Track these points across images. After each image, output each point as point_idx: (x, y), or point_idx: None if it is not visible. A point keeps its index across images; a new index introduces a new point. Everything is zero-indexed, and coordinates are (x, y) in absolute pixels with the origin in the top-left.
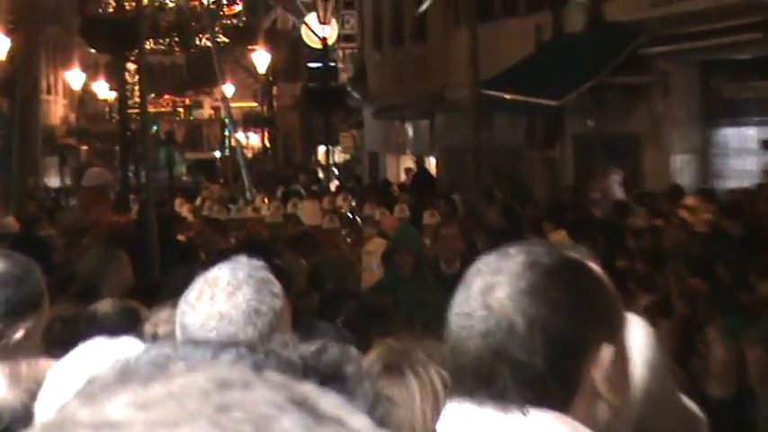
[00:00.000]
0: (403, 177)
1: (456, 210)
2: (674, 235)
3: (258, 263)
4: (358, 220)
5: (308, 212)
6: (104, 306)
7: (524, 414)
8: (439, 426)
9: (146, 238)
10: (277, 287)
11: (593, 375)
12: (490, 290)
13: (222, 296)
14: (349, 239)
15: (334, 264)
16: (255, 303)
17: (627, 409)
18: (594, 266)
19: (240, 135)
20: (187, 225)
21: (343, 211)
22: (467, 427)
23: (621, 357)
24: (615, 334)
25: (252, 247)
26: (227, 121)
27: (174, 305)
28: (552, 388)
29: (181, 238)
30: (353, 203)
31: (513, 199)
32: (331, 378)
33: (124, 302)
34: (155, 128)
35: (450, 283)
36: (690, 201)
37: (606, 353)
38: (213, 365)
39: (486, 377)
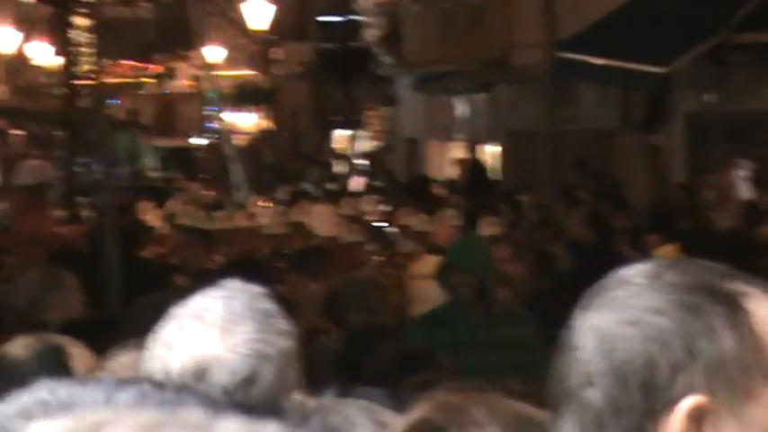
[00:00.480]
0: (451, 172)
1: (524, 216)
2: None
3: (259, 289)
4: (390, 230)
5: (322, 220)
6: (16, 348)
7: None
8: None
9: (101, 256)
10: (285, 323)
11: (664, 428)
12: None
13: (215, 334)
14: (378, 258)
15: (359, 289)
16: (260, 345)
17: None
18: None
19: (229, 115)
20: (157, 237)
21: (369, 218)
22: None
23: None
24: (730, 395)
25: (245, 268)
26: (210, 95)
27: (140, 345)
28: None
29: (149, 254)
30: (384, 209)
31: (603, 202)
32: (265, 414)
33: (44, 340)
34: (113, 105)
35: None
36: None
37: (692, 403)
38: (107, 411)
39: (556, 408)
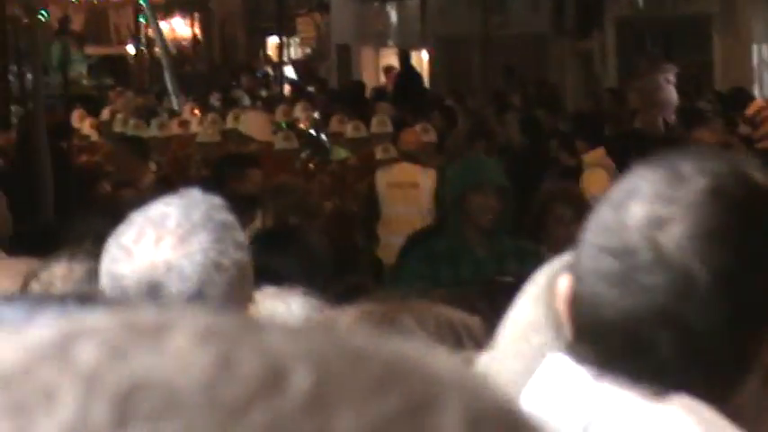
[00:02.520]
0: (382, 79)
1: (456, 123)
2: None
3: (217, 201)
4: (323, 137)
5: (255, 127)
6: None
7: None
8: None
9: (33, 165)
10: (241, 235)
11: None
12: (662, 225)
13: (171, 241)
14: (312, 165)
15: (294, 194)
16: (216, 255)
17: None
18: None
19: (162, 23)
20: (90, 146)
21: (302, 125)
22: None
23: None
24: None
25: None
26: (143, 3)
27: (74, 257)
28: (723, 367)
29: (81, 162)
30: (317, 115)
31: (535, 107)
32: None
33: None
34: (43, 14)
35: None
36: (758, 105)
37: None
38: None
39: (640, 345)
